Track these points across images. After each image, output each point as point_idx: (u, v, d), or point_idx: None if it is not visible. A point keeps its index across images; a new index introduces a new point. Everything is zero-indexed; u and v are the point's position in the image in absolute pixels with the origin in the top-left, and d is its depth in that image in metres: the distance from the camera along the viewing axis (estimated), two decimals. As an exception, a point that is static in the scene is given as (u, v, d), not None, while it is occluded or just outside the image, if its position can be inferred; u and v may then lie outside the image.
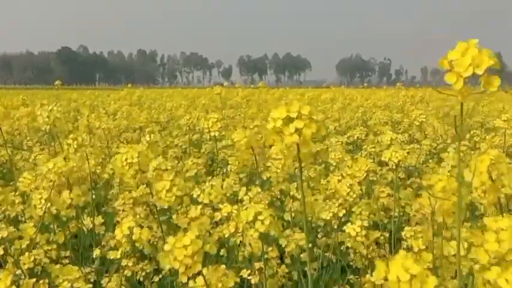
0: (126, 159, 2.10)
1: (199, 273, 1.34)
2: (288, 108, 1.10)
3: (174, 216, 2.34)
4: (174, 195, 2.02)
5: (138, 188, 2.38)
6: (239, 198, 2.19)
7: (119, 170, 2.16)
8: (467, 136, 4.52)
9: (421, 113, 4.14)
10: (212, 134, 2.82)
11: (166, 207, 2.27)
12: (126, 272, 2.21)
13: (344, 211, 2.20)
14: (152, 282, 2.43)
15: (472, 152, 3.45)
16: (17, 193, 2.57)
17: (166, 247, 1.30)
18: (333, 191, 2.35)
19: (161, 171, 2.31)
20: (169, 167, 2.38)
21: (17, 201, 2.52)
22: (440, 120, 5.65)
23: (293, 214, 2.54)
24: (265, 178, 2.92)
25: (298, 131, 1.08)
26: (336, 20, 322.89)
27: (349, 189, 2.21)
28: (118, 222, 2.36)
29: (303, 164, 1.88)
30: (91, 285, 1.85)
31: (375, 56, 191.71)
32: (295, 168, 2.14)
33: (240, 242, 1.91)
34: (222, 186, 2.32)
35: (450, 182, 1.44)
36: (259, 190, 2.16)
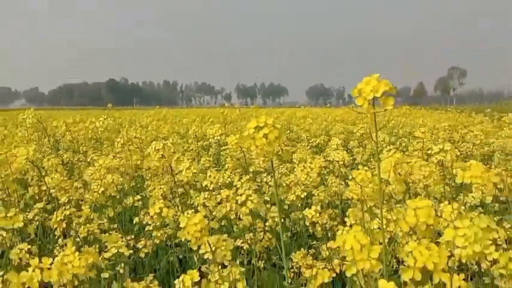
0: (154, 147, 2.15)
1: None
2: (258, 120, 1.16)
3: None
4: (191, 172, 2.08)
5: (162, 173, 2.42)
6: (234, 184, 2.21)
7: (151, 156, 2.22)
8: (398, 142, 4.57)
9: (362, 126, 4.22)
10: (216, 138, 2.88)
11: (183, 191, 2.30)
12: (156, 240, 2.23)
13: (305, 193, 2.25)
14: (176, 245, 2.45)
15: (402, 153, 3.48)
16: (79, 183, 2.60)
17: (181, 224, 1.31)
18: (297, 179, 2.38)
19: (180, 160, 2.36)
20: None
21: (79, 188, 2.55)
22: (381, 130, 5.69)
23: (270, 196, 2.58)
24: (251, 170, 2.97)
25: (265, 135, 1.14)
26: (305, 59, 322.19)
27: (306, 175, 2.24)
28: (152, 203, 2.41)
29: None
30: (131, 251, 1.87)
31: (333, 84, 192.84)
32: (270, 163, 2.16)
33: (236, 217, 1.92)
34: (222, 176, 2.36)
35: (366, 174, 1.47)
36: (247, 178, 2.19)
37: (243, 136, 1.18)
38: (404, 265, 0.99)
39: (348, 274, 1.02)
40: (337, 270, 1.62)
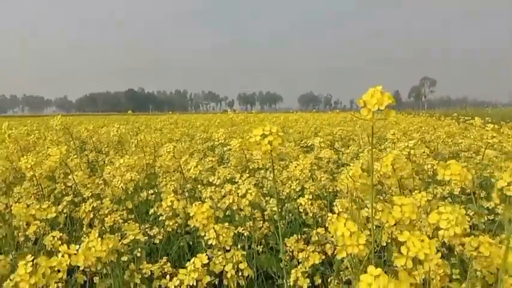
0: (166, 150, 2.14)
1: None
2: (263, 128, 1.14)
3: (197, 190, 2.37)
4: (198, 170, 2.06)
5: (173, 171, 2.41)
6: (236, 180, 2.20)
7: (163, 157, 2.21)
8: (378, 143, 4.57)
9: (340, 128, 4.22)
10: (220, 141, 2.87)
11: (191, 187, 2.29)
12: (168, 228, 2.23)
13: (299, 187, 2.24)
14: (186, 233, 2.43)
15: (383, 153, 3.48)
16: (100, 180, 2.59)
17: (191, 213, 1.32)
18: (292, 174, 2.37)
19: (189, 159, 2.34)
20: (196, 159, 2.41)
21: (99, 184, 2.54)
22: (363, 132, 5.69)
23: (269, 189, 2.58)
24: (250, 167, 2.96)
25: (270, 142, 1.11)
26: (297, 70, 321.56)
27: (300, 172, 2.24)
28: (164, 197, 2.39)
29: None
30: (146, 237, 1.86)
31: (321, 92, 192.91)
32: (269, 163, 2.16)
33: (238, 208, 1.91)
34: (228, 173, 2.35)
35: (359, 170, 1.47)
36: (247, 175, 2.18)
37: (250, 142, 1.16)
38: (396, 251, 0.99)
39: (339, 257, 1.03)
40: (330, 253, 1.62)
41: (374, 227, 1.22)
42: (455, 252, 1.49)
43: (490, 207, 2.54)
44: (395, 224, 1.13)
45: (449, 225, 1.03)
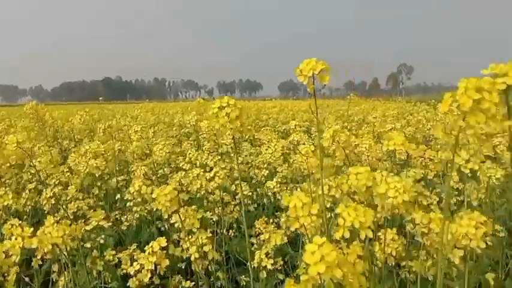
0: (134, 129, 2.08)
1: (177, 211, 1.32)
2: (221, 100, 1.13)
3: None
4: (164, 152, 2.02)
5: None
6: (206, 162, 2.16)
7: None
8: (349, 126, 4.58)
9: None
10: (192, 123, 2.83)
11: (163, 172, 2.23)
12: (136, 214, 2.18)
13: (267, 172, 2.22)
14: (157, 219, 2.39)
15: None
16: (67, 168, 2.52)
17: (154, 195, 1.29)
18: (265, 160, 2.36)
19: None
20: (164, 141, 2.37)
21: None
22: (334, 117, 5.79)
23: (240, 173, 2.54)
24: (220, 151, 2.92)
25: (227, 114, 1.10)
26: (276, 59, 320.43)
27: (270, 155, 2.22)
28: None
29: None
30: (111, 223, 1.81)
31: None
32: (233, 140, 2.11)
33: (205, 192, 1.87)
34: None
35: (310, 148, 1.53)
36: (219, 158, 2.14)
37: (209, 115, 1.15)
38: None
39: (292, 229, 1.01)
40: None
41: (325, 201, 1.22)
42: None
43: (460, 189, 2.58)
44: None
45: (397, 193, 1.05)
